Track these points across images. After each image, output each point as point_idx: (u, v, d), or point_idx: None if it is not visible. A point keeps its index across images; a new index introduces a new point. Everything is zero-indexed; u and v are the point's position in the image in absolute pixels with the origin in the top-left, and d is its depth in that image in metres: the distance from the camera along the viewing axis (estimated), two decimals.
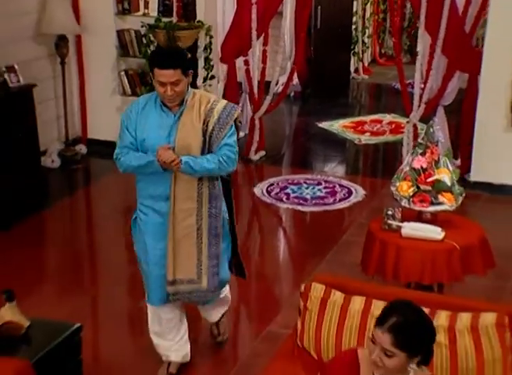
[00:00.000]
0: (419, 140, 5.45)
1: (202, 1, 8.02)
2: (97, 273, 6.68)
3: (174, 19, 7.89)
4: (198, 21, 7.94)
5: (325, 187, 7.71)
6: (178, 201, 4.13)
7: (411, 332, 3.05)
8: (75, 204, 8.03)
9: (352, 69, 11.62)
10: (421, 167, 5.23)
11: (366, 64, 12.10)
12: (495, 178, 7.41)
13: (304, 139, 9.42)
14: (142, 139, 4.04)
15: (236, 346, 5.39)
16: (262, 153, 8.42)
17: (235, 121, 4.21)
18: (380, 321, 3.06)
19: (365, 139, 9.21)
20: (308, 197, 7.51)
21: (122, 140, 4.14)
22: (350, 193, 7.46)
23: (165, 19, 7.87)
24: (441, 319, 3.58)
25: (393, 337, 2.99)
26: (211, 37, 7.87)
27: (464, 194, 5.42)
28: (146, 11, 8.27)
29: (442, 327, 3.56)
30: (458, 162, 7.71)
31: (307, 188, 7.69)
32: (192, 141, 4.04)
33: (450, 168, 5.37)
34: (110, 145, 7.54)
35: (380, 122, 9.88)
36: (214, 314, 4.87)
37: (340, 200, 7.35)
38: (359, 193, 7.52)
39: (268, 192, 7.58)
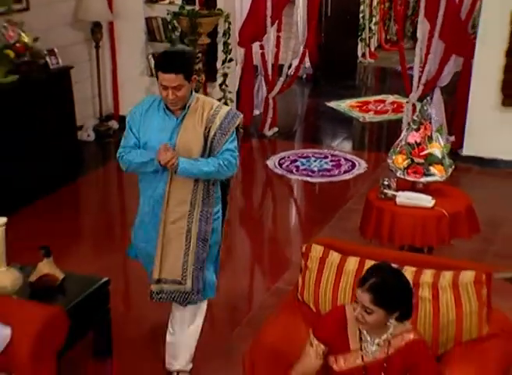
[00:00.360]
0: (414, 117, 5.47)
1: None
2: (126, 234, 6.64)
3: (196, 7, 7.90)
4: (218, 9, 7.89)
5: (331, 161, 7.74)
6: (171, 203, 3.88)
7: (388, 291, 3.09)
8: (107, 173, 8.00)
9: (359, 53, 11.56)
10: (416, 142, 5.26)
11: (372, 49, 12.05)
12: (485, 153, 7.43)
13: (314, 117, 9.42)
14: (144, 141, 3.82)
15: (248, 299, 5.47)
16: (275, 129, 8.43)
17: (237, 127, 3.96)
18: (361, 282, 3.10)
19: (369, 117, 9.22)
20: (316, 169, 7.53)
21: (126, 140, 3.92)
22: (353, 166, 7.50)
23: (188, 7, 7.82)
24: (426, 276, 3.62)
25: (372, 296, 3.02)
26: (229, 23, 7.84)
27: (453, 167, 5.45)
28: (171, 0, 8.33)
29: (427, 284, 3.60)
30: (452, 138, 7.72)
31: (315, 161, 7.71)
32: (193, 146, 3.79)
33: (441, 143, 5.40)
34: None
35: (383, 102, 9.85)
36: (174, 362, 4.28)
37: (344, 172, 7.39)
38: (362, 166, 7.55)
39: (280, 165, 7.61)
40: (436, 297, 3.58)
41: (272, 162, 7.66)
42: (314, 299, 3.78)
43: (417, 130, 5.31)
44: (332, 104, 9.57)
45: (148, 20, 8.26)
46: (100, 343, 4.70)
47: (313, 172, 7.44)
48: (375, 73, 11.45)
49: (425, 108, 5.42)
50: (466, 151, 7.55)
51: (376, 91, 10.56)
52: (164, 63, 3.68)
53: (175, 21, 7.86)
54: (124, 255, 6.16)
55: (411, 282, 3.52)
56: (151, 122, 3.81)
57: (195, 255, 3.93)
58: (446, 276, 3.62)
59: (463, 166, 7.34)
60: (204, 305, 4.26)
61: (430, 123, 5.35)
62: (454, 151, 7.58)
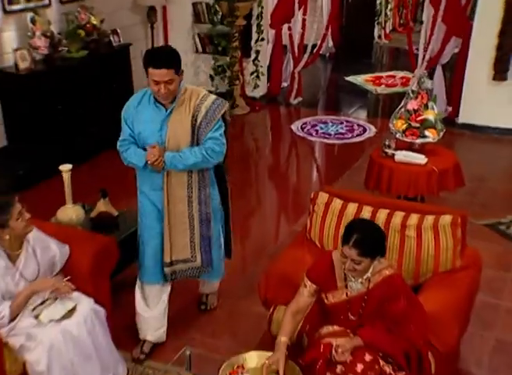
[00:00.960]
0: (412, 88, 5.45)
1: None
2: None
3: None
4: None
5: (346, 126, 7.76)
6: (171, 191, 3.62)
7: (370, 242, 3.10)
8: None
9: (375, 35, 11.41)
10: (413, 109, 5.29)
11: (387, 31, 11.86)
12: (477, 120, 7.40)
13: (334, 89, 9.41)
14: (138, 132, 3.57)
15: (272, 238, 5.53)
16: (300, 99, 8.43)
17: (223, 116, 3.66)
18: (345, 240, 3.08)
19: (381, 90, 9.17)
20: (332, 133, 7.56)
21: (123, 132, 3.67)
22: (364, 130, 7.52)
23: None
24: (412, 219, 3.67)
25: (358, 250, 3.03)
26: (262, 7, 7.81)
27: (444, 130, 5.46)
28: None
29: (413, 226, 3.65)
30: (450, 108, 7.75)
31: (331, 126, 7.74)
32: (181, 135, 3.54)
33: (435, 110, 5.41)
34: None
35: (394, 77, 9.75)
36: (207, 288, 4.31)
37: (357, 135, 7.43)
38: (372, 131, 7.57)
39: (302, 128, 7.66)
40: (419, 236, 3.62)
41: (295, 126, 7.68)
42: (319, 237, 3.83)
43: (416, 98, 5.32)
44: (350, 78, 9.52)
45: (195, 5, 8.21)
46: None
47: (330, 135, 7.46)
48: (388, 53, 11.33)
49: (423, 80, 5.41)
50: (461, 119, 7.51)
51: (388, 68, 10.47)
52: (155, 60, 3.38)
53: (216, 5, 7.81)
54: None
55: (400, 224, 3.64)
56: (142, 114, 3.56)
57: (200, 234, 3.73)
58: (429, 219, 3.66)
59: (458, 132, 7.39)
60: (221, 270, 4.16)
61: (426, 93, 5.35)
62: (451, 119, 7.62)
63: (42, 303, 3.35)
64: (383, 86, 9.31)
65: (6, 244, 3.30)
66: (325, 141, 7.34)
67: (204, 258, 3.78)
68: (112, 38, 7.17)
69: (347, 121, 7.87)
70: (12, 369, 3.20)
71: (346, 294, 3.21)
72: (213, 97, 3.61)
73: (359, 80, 9.48)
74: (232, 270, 4.65)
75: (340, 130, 7.60)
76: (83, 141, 6.69)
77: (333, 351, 3.08)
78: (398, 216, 3.69)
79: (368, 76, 9.62)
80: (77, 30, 6.67)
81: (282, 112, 8.17)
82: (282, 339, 3.18)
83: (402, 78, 9.63)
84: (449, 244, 3.62)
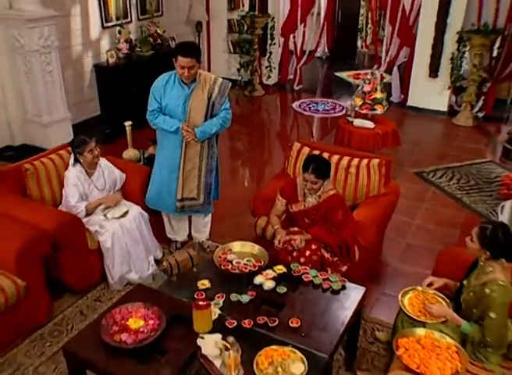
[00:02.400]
0: (367, 76, 5.39)
1: (271, 3, 7.62)
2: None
3: (256, 12, 7.62)
4: (268, 13, 7.60)
5: (330, 105, 7.56)
6: (188, 149, 3.45)
7: (321, 168, 3.12)
8: None
9: (359, 45, 10.99)
10: (368, 90, 5.26)
11: (367, 43, 11.45)
12: (419, 104, 7.15)
13: (326, 81, 9.05)
14: (165, 104, 3.40)
15: (266, 178, 5.16)
16: (301, 86, 8.18)
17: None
18: (305, 168, 3.11)
19: (357, 82, 8.84)
20: (320, 109, 7.40)
21: (151, 105, 3.45)
22: (342, 108, 7.31)
23: (250, 13, 7.58)
24: (354, 162, 3.71)
25: (315, 174, 3.07)
26: (274, 22, 7.63)
27: (388, 106, 5.39)
28: (242, 8, 7.99)
29: (354, 166, 3.69)
30: (402, 96, 7.45)
31: (320, 105, 7.55)
32: (200, 107, 3.39)
33: (382, 92, 5.36)
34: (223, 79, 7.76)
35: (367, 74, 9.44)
36: (200, 236, 3.89)
37: (336, 111, 7.26)
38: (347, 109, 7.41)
39: (300, 106, 7.50)
40: (358, 172, 3.67)
41: (296, 105, 7.54)
42: (293, 172, 3.84)
43: (369, 83, 5.29)
44: (338, 74, 9.19)
45: (228, 20, 8.02)
46: None
47: (318, 111, 7.33)
48: (367, 58, 10.83)
49: (374, 72, 5.37)
50: (409, 103, 7.26)
51: (365, 68, 10.15)
52: (184, 51, 3.25)
53: (242, 21, 7.66)
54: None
55: (346, 165, 3.67)
56: (169, 91, 3.40)
57: (205, 181, 3.59)
58: (364, 161, 3.71)
59: (407, 112, 7.20)
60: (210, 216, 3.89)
61: (376, 79, 5.31)
62: (403, 103, 7.36)
63: (108, 208, 3.50)
64: (360, 80, 9.01)
65: (85, 165, 3.45)
66: (315, 114, 7.22)
67: (205, 198, 3.64)
68: (170, 43, 7.11)
69: (332, 102, 7.68)
70: (92, 245, 3.38)
71: (304, 205, 3.27)
72: (221, 79, 3.47)
73: (344, 75, 9.21)
74: (236, 198, 4.59)
75: (326, 108, 7.45)
76: (141, 114, 6.54)
77: (292, 242, 3.17)
78: (345, 160, 3.72)
79: (350, 73, 9.30)
80: (147, 37, 6.68)
81: (288, 95, 7.98)
82: (277, 226, 3.29)
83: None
84: (377, 178, 3.66)
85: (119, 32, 6.36)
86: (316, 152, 3.74)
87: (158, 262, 3.65)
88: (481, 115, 6.86)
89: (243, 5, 8.00)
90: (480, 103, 6.81)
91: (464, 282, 2.50)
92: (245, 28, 7.72)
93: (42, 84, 5.18)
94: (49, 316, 3.19)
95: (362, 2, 10.41)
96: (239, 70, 7.94)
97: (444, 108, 7.03)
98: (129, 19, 6.60)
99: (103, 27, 6.27)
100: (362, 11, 10.53)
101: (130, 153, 4.35)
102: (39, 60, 5.07)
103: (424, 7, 6.69)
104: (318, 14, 9.15)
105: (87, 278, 3.42)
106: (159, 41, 6.84)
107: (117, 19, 6.40)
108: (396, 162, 5.26)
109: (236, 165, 5.92)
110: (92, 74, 6.26)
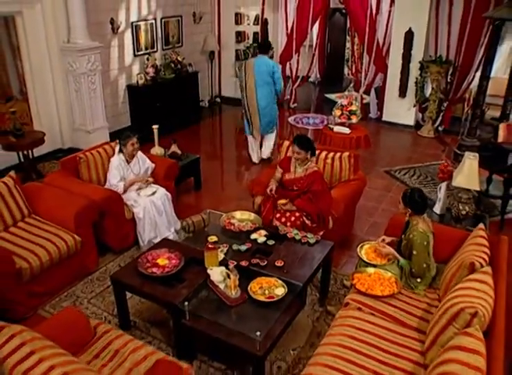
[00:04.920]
0: (345, 93, 5.87)
1: (271, 36, 7.97)
2: (223, 147, 6.90)
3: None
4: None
5: (319, 119, 7.83)
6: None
7: (303, 141, 3.51)
8: (214, 121, 7.90)
9: (345, 72, 11.33)
10: (345, 104, 5.71)
11: (353, 71, 11.86)
12: (392, 119, 7.41)
13: (317, 101, 9.31)
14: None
15: (261, 169, 5.38)
16: (296, 104, 8.43)
17: None
18: (293, 143, 3.52)
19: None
20: (311, 122, 7.68)
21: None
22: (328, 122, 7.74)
23: (254, 44, 7.92)
24: (330, 154, 4.09)
25: (298, 146, 3.47)
26: (273, 51, 7.83)
27: (360, 116, 5.83)
28: (247, 40, 8.26)
29: (330, 157, 4.06)
30: (378, 112, 7.71)
31: (311, 119, 7.82)
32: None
33: (358, 105, 5.82)
34: (230, 99, 8.05)
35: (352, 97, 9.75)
36: (265, 153, 5.68)
37: (324, 124, 7.53)
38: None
39: (294, 120, 7.79)
40: (333, 162, 4.06)
41: (291, 119, 7.81)
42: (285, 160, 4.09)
43: (346, 98, 5.79)
44: (328, 95, 9.43)
45: (236, 50, 8.31)
46: (196, 183, 5.07)
47: (309, 124, 7.63)
48: (353, 82, 11.31)
49: (350, 90, 5.87)
50: (384, 118, 7.56)
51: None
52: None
53: (247, 50, 8.02)
54: (219, 153, 6.43)
55: (324, 157, 4.03)
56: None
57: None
58: (337, 154, 4.09)
59: (382, 125, 7.44)
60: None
61: (352, 95, 5.80)
62: (379, 118, 7.62)
63: (141, 188, 3.95)
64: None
65: (127, 154, 3.90)
66: (306, 126, 7.52)
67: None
68: (188, 68, 7.40)
69: (321, 117, 7.98)
70: (128, 216, 3.78)
71: (294, 175, 3.66)
72: (273, 61, 5.41)
73: (333, 96, 9.29)
74: (240, 187, 4.92)
75: (316, 122, 7.73)
76: (169, 123, 6.63)
77: (283, 207, 3.57)
78: (323, 153, 4.13)
79: (338, 94, 9.50)
80: (170, 63, 7.02)
81: (285, 113, 8.20)
82: (272, 184, 3.67)
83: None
84: (347, 166, 4.07)
85: (147, 59, 6.83)
86: None
87: (177, 232, 4.07)
88: (441, 129, 7.23)
89: (247, 38, 8.33)
90: (439, 119, 7.18)
91: (402, 236, 3.01)
92: (249, 56, 8.03)
93: (88, 99, 5.75)
94: (96, 266, 3.70)
95: (348, 37, 10.79)
96: None
97: (411, 122, 7.37)
98: (155, 49, 7.09)
99: (135, 55, 6.78)
100: (348, 44, 10.89)
101: (157, 150, 4.74)
102: (86, 80, 5.66)
103: (394, 41, 7.07)
104: (310, 46, 9.52)
105: (123, 241, 3.92)
106: (179, 66, 7.20)
107: (146, 49, 6.90)
108: (370, 162, 5.87)
109: (245, 161, 6.22)
110: (125, 93, 6.73)
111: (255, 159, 5.79)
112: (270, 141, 5.77)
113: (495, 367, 1.90)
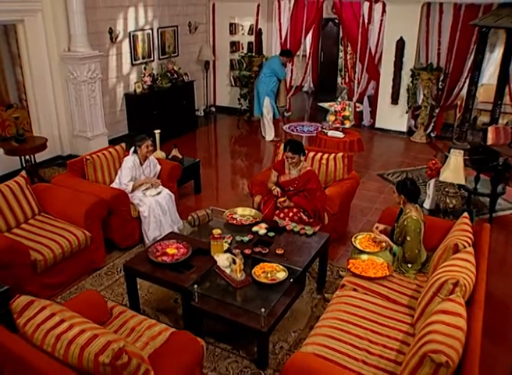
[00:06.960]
0: (338, 99, 6.26)
1: (265, 46, 8.29)
2: (218, 153, 7.14)
3: (253, 53, 8.27)
4: (262, 54, 8.20)
5: (313, 127, 8.18)
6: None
7: (295, 146, 3.77)
8: (209, 129, 8.16)
9: (338, 82, 11.68)
10: (338, 110, 6.12)
11: (346, 80, 12.25)
12: (384, 126, 7.78)
13: (310, 109, 9.69)
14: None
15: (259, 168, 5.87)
16: (290, 113, 8.78)
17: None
18: (285, 149, 3.79)
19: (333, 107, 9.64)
20: (305, 130, 8.03)
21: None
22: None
23: (248, 54, 8.25)
24: (325, 156, 4.38)
25: (291, 151, 3.74)
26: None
27: (353, 122, 6.21)
28: (242, 50, 8.51)
29: (325, 158, 4.37)
30: (371, 120, 8.04)
31: (305, 127, 8.18)
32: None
33: (351, 111, 6.22)
34: (225, 108, 8.37)
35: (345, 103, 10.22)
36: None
37: (318, 132, 7.99)
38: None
39: (289, 128, 8.13)
40: (327, 163, 4.38)
41: (286, 127, 8.15)
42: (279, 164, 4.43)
43: (340, 104, 6.19)
44: (321, 104, 9.51)
45: (230, 60, 8.57)
46: (196, 186, 5.31)
47: (304, 131, 7.96)
48: (345, 91, 11.72)
49: (343, 96, 6.27)
50: (377, 125, 7.88)
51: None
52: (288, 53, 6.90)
53: (242, 60, 8.27)
54: (215, 158, 6.70)
55: (319, 158, 4.33)
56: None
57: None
58: (332, 155, 4.41)
59: (375, 132, 7.80)
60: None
61: (345, 101, 6.20)
62: (372, 125, 7.99)
63: (147, 189, 4.24)
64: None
65: (140, 156, 4.16)
66: (301, 134, 7.85)
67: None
68: (184, 77, 7.68)
69: (315, 125, 8.32)
70: (133, 214, 4.09)
71: (289, 177, 3.93)
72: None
73: (326, 105, 9.52)
74: (241, 189, 5.25)
75: (310, 129, 8.07)
76: (165, 131, 6.53)
77: (283, 203, 3.87)
78: (318, 154, 4.45)
79: (331, 103, 9.97)
80: (166, 73, 7.34)
81: (280, 120, 8.45)
82: (273, 186, 3.93)
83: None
84: (341, 166, 4.39)
85: (145, 68, 7.17)
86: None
87: (180, 231, 4.31)
88: (433, 135, 7.64)
89: (242, 48, 8.64)
90: (431, 125, 7.58)
91: (395, 224, 3.37)
92: (244, 66, 8.36)
93: (88, 107, 6.06)
94: (104, 262, 4.00)
95: (340, 46, 11.18)
96: (239, 100, 8.58)
97: (404, 129, 7.74)
98: (152, 59, 7.44)
99: (132, 65, 7.12)
100: (341, 54, 11.27)
101: (159, 154, 5.01)
102: (86, 88, 5.98)
103: (386, 49, 7.48)
104: (304, 56, 9.94)
105: (129, 238, 4.21)
106: (175, 75, 7.54)
107: (143, 58, 7.25)
108: (364, 167, 6.22)
109: (241, 167, 6.62)
110: (123, 101, 7.06)
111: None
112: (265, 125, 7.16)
113: (474, 327, 2.23)
